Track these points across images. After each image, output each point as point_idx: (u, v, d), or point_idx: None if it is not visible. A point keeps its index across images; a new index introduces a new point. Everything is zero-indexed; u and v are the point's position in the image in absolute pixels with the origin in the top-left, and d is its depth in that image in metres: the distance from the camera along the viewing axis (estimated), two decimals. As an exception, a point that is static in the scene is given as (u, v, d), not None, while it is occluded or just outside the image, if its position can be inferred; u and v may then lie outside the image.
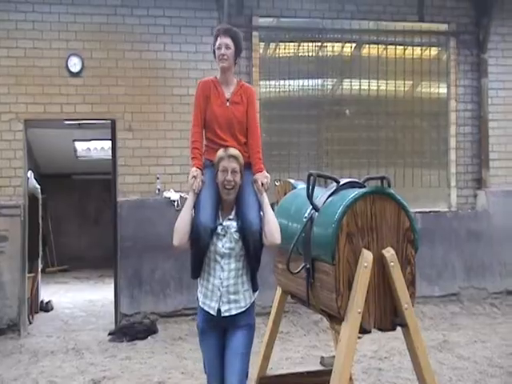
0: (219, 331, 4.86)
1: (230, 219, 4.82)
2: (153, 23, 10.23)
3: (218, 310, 4.77)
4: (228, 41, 5.15)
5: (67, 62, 9.90)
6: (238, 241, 4.78)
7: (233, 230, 4.79)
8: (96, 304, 12.51)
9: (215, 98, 5.15)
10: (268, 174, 5.03)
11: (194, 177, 4.92)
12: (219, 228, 4.79)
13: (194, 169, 4.98)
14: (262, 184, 4.93)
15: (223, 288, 4.76)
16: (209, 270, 4.82)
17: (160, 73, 10.22)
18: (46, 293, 12.95)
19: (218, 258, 4.78)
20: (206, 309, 4.82)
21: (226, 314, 4.77)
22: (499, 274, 11.28)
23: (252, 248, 4.80)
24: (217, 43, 5.18)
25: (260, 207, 4.90)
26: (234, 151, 4.87)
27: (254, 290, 4.96)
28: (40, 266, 12.17)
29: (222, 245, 4.77)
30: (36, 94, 9.83)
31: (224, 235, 4.78)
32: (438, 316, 10.40)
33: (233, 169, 4.78)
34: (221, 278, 4.77)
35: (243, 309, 4.82)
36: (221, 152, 4.89)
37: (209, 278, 4.83)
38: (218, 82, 5.22)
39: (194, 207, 4.90)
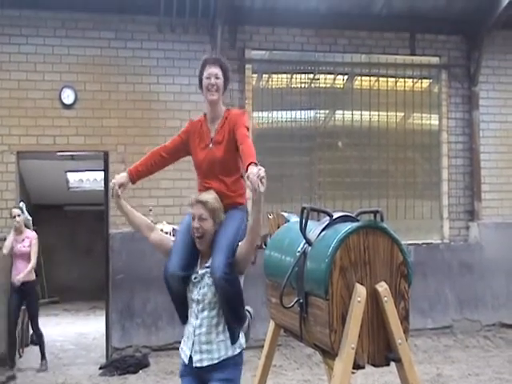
0: (197, 380, 4.58)
1: (206, 267, 4.59)
2: (146, 56, 10.30)
3: (190, 358, 4.53)
4: (217, 70, 4.97)
5: (60, 94, 9.94)
6: (210, 287, 4.52)
7: (206, 276, 4.55)
8: (87, 337, 12.41)
9: (200, 141, 4.95)
10: (261, 168, 4.30)
11: (113, 183, 4.91)
12: (193, 276, 4.58)
13: (122, 174, 5.03)
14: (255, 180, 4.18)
15: (195, 336, 4.53)
16: (189, 316, 4.63)
17: (153, 105, 10.26)
18: (37, 325, 12.83)
19: (193, 305, 4.58)
20: (182, 354, 4.63)
21: (198, 365, 4.50)
22: (492, 306, 11.27)
23: (221, 295, 4.51)
24: (205, 73, 4.97)
25: (234, 252, 4.54)
26: (203, 196, 4.62)
27: (233, 343, 4.57)
28: (31, 298, 12.05)
29: (197, 291, 4.56)
30: (29, 126, 9.85)
31: (199, 282, 4.56)
32: (432, 349, 10.36)
33: (199, 215, 4.55)
34: (193, 326, 4.55)
35: (216, 361, 4.49)
36: (192, 197, 4.69)
37: (188, 325, 4.63)
38: (206, 120, 5.04)
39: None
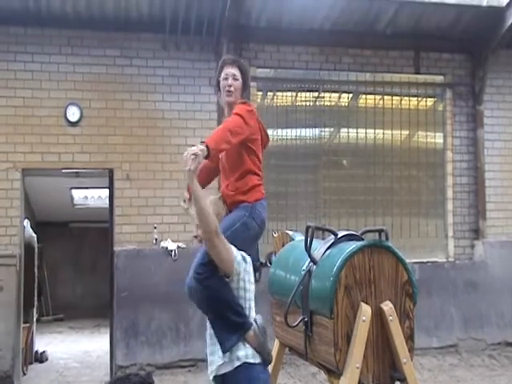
0: None
1: None
2: (152, 74, 10.31)
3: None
4: (235, 71, 4.80)
5: (66, 111, 9.94)
6: None
7: None
8: (91, 355, 12.36)
9: None
10: (202, 147, 4.11)
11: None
12: None
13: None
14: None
15: (207, 348, 4.40)
16: None
17: (158, 123, 10.27)
18: (41, 343, 12.81)
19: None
20: None
21: (211, 377, 4.32)
22: (497, 325, 11.21)
23: (197, 298, 4.38)
24: (223, 73, 4.81)
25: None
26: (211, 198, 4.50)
27: (223, 352, 4.24)
28: (35, 316, 12.06)
29: None
30: (34, 143, 9.85)
31: None
32: (437, 368, 10.30)
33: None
34: (206, 340, 4.42)
35: (214, 374, 4.29)
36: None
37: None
38: None
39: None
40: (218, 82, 4.88)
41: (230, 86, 4.76)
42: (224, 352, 4.21)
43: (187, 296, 4.53)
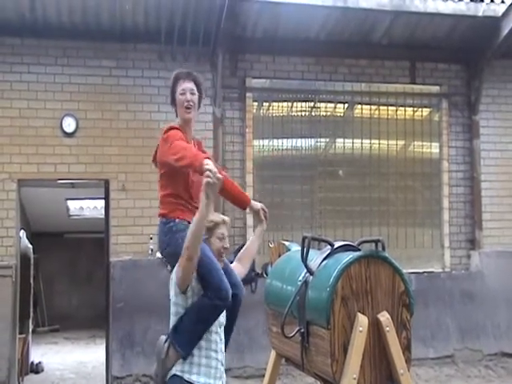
0: None
1: None
2: (147, 84, 10.32)
3: None
4: (192, 85, 4.70)
5: (61, 122, 9.94)
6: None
7: None
8: (87, 365, 12.33)
9: None
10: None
11: (209, 170, 4.01)
12: None
13: (208, 160, 4.14)
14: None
15: (223, 361, 4.33)
16: (208, 344, 4.25)
17: (154, 133, 10.21)
18: (37, 353, 12.78)
19: (219, 330, 4.34)
20: None
21: None
22: (493, 335, 11.19)
23: (237, 312, 4.53)
24: (179, 88, 4.69)
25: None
26: (227, 218, 4.57)
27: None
28: (31, 327, 12.03)
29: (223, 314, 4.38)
30: (30, 154, 9.84)
31: None
32: (433, 379, 10.28)
33: (226, 235, 4.50)
34: (222, 352, 4.33)
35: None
36: (215, 217, 4.44)
37: (209, 353, 4.24)
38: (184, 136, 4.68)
39: (206, 272, 4.26)
40: (173, 97, 4.77)
41: (189, 100, 4.67)
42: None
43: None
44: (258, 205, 4.79)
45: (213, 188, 4.03)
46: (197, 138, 5.02)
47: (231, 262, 4.76)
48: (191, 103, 4.68)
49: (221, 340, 4.34)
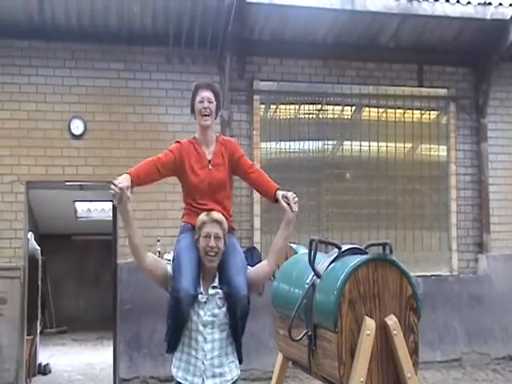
0: None
1: (214, 287, 4.47)
2: (155, 87, 10.34)
3: None
4: (210, 94, 4.90)
5: (70, 124, 9.96)
6: (221, 308, 4.43)
7: (217, 296, 4.44)
8: (94, 367, 12.34)
9: (196, 162, 4.84)
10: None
11: (120, 188, 4.50)
12: (200, 296, 4.41)
13: (124, 176, 4.65)
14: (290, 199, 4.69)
15: (207, 361, 4.37)
16: (189, 342, 4.43)
17: (161, 136, 10.27)
18: (44, 355, 12.80)
19: (201, 328, 4.38)
20: None
21: None
22: (501, 339, 11.16)
23: (239, 315, 4.46)
24: (198, 97, 4.91)
25: (245, 272, 4.58)
26: (217, 215, 4.55)
27: (240, 362, 4.57)
28: (38, 328, 12.06)
29: (205, 313, 4.40)
30: (38, 156, 9.87)
31: (205, 302, 4.41)
32: (441, 382, 10.25)
33: (216, 234, 4.45)
34: (204, 351, 4.37)
35: (229, 382, 4.44)
36: (203, 216, 4.56)
37: (190, 350, 4.43)
38: (198, 143, 4.93)
39: (173, 271, 4.53)
40: (193, 106, 4.98)
41: (206, 108, 4.87)
42: (241, 362, 4.59)
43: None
44: (280, 193, 4.77)
45: (115, 199, 4.53)
46: (227, 138, 5.26)
47: (257, 263, 4.77)
48: (208, 110, 4.88)
49: (205, 339, 4.40)
